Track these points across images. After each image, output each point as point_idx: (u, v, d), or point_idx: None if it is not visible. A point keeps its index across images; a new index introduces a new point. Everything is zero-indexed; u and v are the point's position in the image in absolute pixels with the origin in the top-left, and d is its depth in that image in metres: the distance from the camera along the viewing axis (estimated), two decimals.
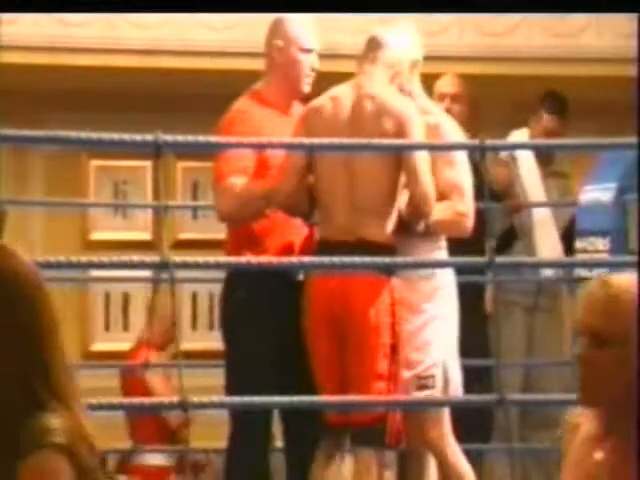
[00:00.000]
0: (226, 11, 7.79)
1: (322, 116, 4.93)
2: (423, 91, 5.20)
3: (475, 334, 5.78)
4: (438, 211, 4.96)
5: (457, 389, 4.98)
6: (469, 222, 5.06)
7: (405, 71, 4.96)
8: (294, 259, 4.89)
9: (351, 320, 4.74)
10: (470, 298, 5.64)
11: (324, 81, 5.14)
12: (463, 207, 5.01)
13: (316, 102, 5.00)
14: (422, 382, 4.90)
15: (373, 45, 4.98)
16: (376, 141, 4.91)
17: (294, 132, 4.96)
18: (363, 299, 4.71)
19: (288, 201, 4.95)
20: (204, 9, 7.57)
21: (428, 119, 5.08)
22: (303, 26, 5.23)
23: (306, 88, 5.16)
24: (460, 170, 5.08)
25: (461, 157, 5.12)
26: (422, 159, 4.82)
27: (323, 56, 5.32)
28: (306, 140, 4.83)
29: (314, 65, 5.16)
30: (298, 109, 5.18)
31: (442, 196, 4.99)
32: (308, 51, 5.11)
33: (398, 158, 4.81)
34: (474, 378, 5.50)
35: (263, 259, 4.92)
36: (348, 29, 5.55)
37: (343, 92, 4.95)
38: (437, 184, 4.98)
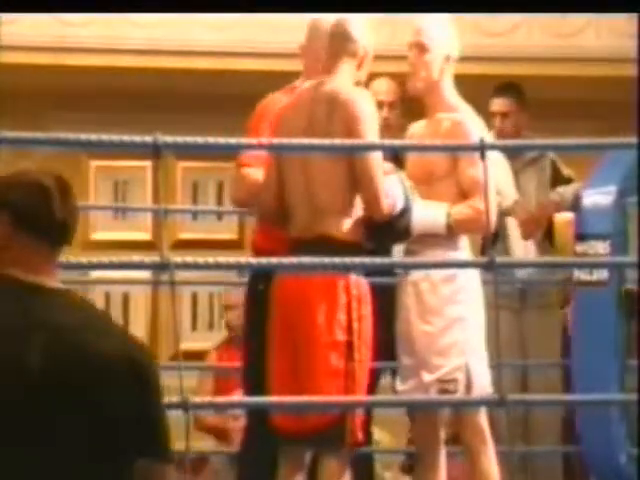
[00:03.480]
0: (225, 11, 7.80)
1: (287, 117, 4.92)
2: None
3: None
4: (458, 210, 4.95)
5: (483, 392, 4.94)
6: (492, 219, 5.01)
7: (368, 62, 4.91)
8: (291, 259, 4.86)
9: (304, 317, 4.68)
10: None
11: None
12: (485, 204, 4.95)
13: (285, 104, 5.01)
14: (444, 386, 4.86)
15: (340, 34, 4.92)
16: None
17: (270, 134, 4.97)
18: (317, 296, 4.66)
19: (268, 208, 4.98)
20: (203, 9, 7.57)
21: (453, 116, 5.05)
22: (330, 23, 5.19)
23: None
24: (482, 168, 5.02)
25: (493, 155, 5.13)
26: (373, 158, 4.75)
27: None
28: (305, 141, 4.79)
29: None
30: None
31: (465, 194, 4.98)
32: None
33: (352, 158, 4.77)
34: None
35: (260, 260, 4.93)
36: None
37: (306, 90, 4.94)
38: (460, 183, 4.99)
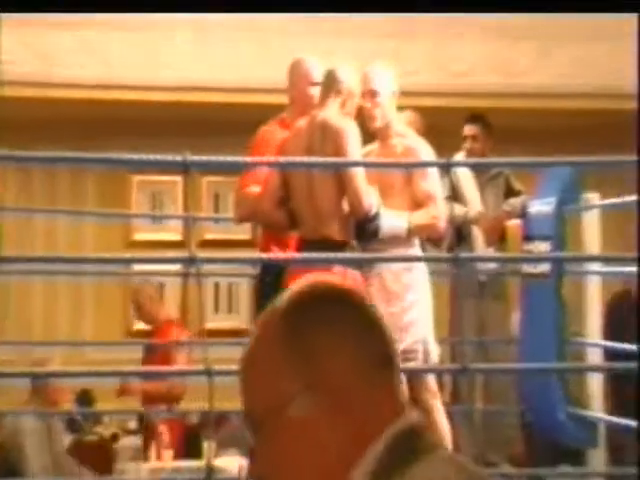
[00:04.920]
0: (224, 11, 7.63)
1: (290, 142, 4.92)
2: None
3: None
4: (416, 217, 4.97)
5: (435, 359, 4.98)
6: (442, 224, 5.07)
7: (354, 98, 4.92)
8: (299, 255, 4.87)
9: None
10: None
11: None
12: (436, 212, 5.01)
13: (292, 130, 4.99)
14: (407, 355, 4.86)
15: (329, 78, 4.96)
16: (360, 159, 4.91)
17: (276, 154, 4.96)
18: None
19: (269, 218, 4.97)
20: (202, 9, 7.34)
21: (405, 141, 5.08)
22: (312, 65, 5.22)
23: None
24: (432, 182, 5.06)
25: (433, 172, 5.12)
26: (355, 172, 4.77)
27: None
28: (305, 159, 4.81)
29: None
30: None
31: (419, 203, 5.00)
32: (317, 84, 5.08)
33: (340, 172, 4.79)
34: None
35: (270, 255, 4.94)
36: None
37: (304, 122, 4.92)
38: (414, 194, 5.00)
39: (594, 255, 6.10)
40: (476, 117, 6.61)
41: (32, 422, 6.62)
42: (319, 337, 1.29)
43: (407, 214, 4.98)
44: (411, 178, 5.03)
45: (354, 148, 4.78)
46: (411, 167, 5.12)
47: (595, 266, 6.16)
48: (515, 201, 6.39)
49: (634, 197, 6.01)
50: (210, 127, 8.27)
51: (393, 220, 4.95)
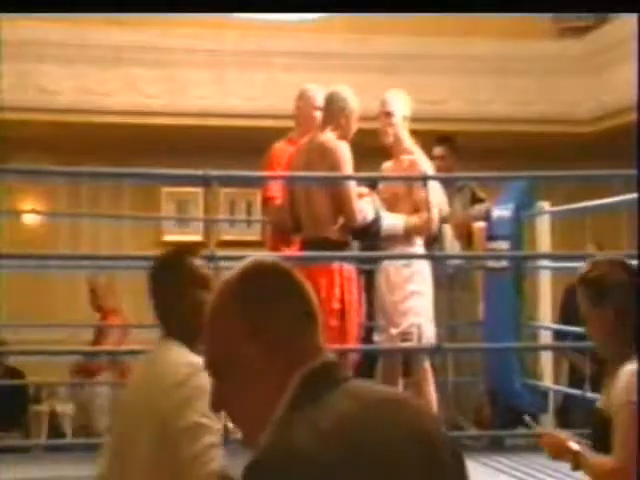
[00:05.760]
0: (222, 11, 7.57)
1: (293, 159, 4.94)
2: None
3: None
4: (412, 219, 4.99)
5: (429, 342, 4.93)
6: (435, 226, 5.11)
7: (351, 120, 4.86)
8: (303, 253, 4.88)
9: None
10: None
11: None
12: (430, 216, 5.02)
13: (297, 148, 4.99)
14: (405, 336, 4.87)
15: (326, 100, 4.94)
16: (353, 174, 4.92)
17: (284, 168, 4.99)
18: (320, 278, 4.61)
19: (285, 223, 4.98)
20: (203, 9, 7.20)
21: (411, 157, 5.10)
22: (315, 92, 5.22)
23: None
24: (429, 192, 5.07)
25: (432, 183, 5.15)
26: (348, 189, 4.76)
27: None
28: (310, 174, 4.81)
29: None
30: None
31: (418, 209, 5.02)
32: (320, 108, 5.06)
33: (335, 187, 4.77)
34: None
35: (279, 254, 4.95)
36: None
37: (305, 142, 4.93)
38: (415, 201, 5.03)
39: (546, 253, 6.15)
40: (443, 139, 6.61)
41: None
42: (260, 298, 1.43)
43: (404, 217, 5.00)
44: (412, 188, 5.07)
45: (346, 165, 4.78)
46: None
47: (546, 262, 6.20)
48: (480, 207, 6.41)
49: (578, 205, 6.08)
50: (226, 147, 8.30)
51: (392, 221, 4.98)
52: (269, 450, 1.31)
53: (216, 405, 1.47)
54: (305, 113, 5.23)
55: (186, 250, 2.62)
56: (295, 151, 4.97)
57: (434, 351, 5.00)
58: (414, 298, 4.95)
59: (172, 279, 2.48)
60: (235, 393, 1.42)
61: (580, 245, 7.03)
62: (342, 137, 4.84)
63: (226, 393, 1.44)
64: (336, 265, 4.72)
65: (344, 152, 4.78)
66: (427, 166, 5.15)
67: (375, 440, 1.32)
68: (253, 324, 1.40)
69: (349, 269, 4.78)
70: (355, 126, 4.90)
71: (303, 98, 5.28)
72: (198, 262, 2.51)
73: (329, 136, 4.83)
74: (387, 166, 5.26)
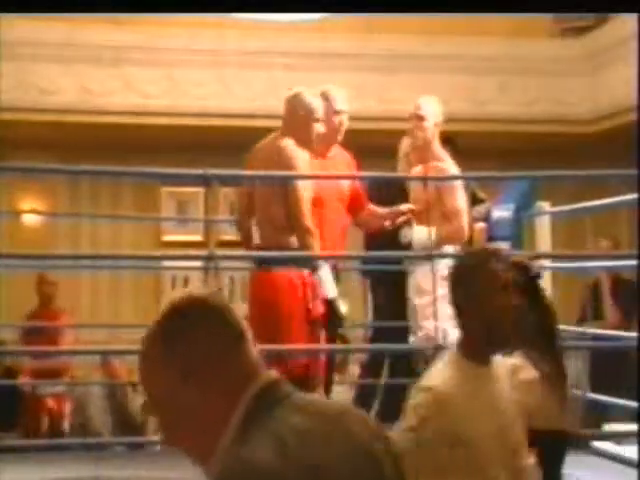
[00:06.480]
0: (221, 11, 7.50)
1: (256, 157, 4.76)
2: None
3: None
4: (445, 229, 4.97)
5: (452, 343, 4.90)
6: (466, 234, 5.06)
7: (310, 125, 4.67)
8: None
9: (275, 296, 4.48)
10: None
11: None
12: (462, 225, 5.00)
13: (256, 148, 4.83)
14: (429, 340, 4.82)
15: (285, 104, 4.80)
16: (305, 174, 4.72)
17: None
18: (281, 283, 4.49)
19: (241, 229, 4.87)
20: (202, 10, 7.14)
21: (441, 164, 5.09)
22: (333, 96, 5.03)
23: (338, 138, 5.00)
24: (459, 198, 5.03)
25: (460, 190, 5.10)
26: (300, 196, 4.50)
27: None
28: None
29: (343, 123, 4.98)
30: (341, 153, 5.05)
31: (447, 216, 4.99)
32: (337, 113, 4.93)
33: (286, 194, 4.53)
34: None
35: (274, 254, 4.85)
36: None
37: (265, 142, 4.78)
38: (444, 209, 4.99)
39: (546, 253, 6.16)
40: (445, 140, 6.62)
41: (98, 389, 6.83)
42: (187, 340, 1.43)
43: (434, 229, 4.94)
44: (441, 196, 5.01)
45: (301, 171, 4.58)
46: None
47: (546, 262, 6.21)
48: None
49: (578, 205, 6.09)
50: (226, 147, 8.32)
51: (423, 235, 4.95)
52: (232, 468, 1.33)
53: (163, 440, 1.48)
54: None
55: (491, 252, 2.58)
56: (252, 156, 4.77)
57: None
58: (441, 303, 4.91)
59: (478, 282, 2.44)
60: (179, 426, 1.44)
61: (580, 245, 7.05)
62: (302, 143, 4.64)
63: (170, 427, 1.46)
64: (298, 271, 4.51)
65: (300, 159, 4.57)
66: (454, 172, 5.14)
67: (333, 454, 1.36)
68: (185, 368, 1.42)
69: (309, 274, 4.56)
70: (318, 129, 4.70)
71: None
72: (500, 266, 2.45)
73: (287, 142, 4.63)
74: (416, 172, 5.23)
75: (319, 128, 4.70)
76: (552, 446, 2.82)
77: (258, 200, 4.69)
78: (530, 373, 2.82)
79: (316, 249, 4.49)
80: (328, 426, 1.38)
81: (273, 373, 1.45)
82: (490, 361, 2.40)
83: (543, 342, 2.85)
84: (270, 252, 4.55)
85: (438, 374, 2.39)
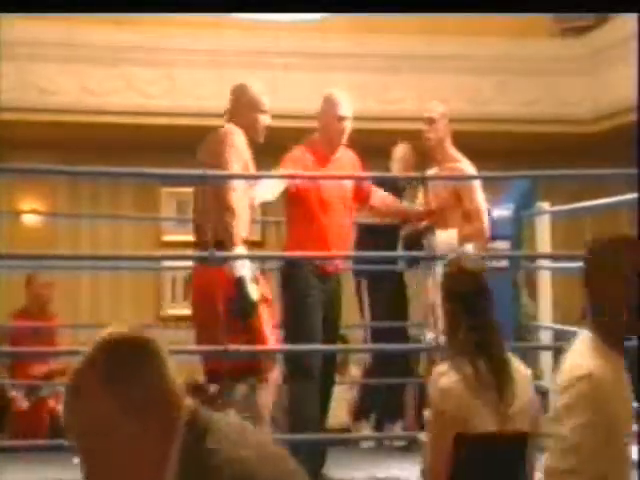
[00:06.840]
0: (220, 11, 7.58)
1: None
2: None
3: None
4: (467, 230, 5.05)
5: None
6: (487, 233, 5.18)
7: (253, 113, 4.69)
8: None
9: (210, 293, 4.41)
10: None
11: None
12: (483, 224, 5.12)
13: None
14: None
15: (231, 92, 4.82)
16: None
17: None
18: (214, 280, 4.40)
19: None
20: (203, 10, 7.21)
21: (458, 165, 5.21)
22: (339, 101, 5.01)
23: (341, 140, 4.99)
24: (479, 199, 5.15)
25: (479, 191, 5.21)
26: (229, 187, 4.42)
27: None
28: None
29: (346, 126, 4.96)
30: (346, 153, 5.05)
31: (469, 216, 5.09)
32: (342, 119, 4.95)
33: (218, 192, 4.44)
34: None
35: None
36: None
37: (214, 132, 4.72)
38: (465, 210, 5.11)
39: (546, 253, 6.17)
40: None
41: None
42: (123, 367, 1.47)
43: (456, 231, 5.04)
44: (461, 197, 5.13)
45: (230, 150, 4.50)
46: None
47: (546, 262, 6.22)
48: None
49: (578, 205, 6.09)
50: None
51: (445, 238, 5.01)
52: None
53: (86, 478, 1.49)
54: (325, 118, 5.01)
55: (622, 238, 2.61)
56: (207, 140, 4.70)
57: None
58: None
59: (622, 268, 2.48)
60: (110, 462, 1.46)
61: (580, 245, 7.03)
62: (245, 130, 4.61)
63: (99, 465, 1.47)
64: (220, 268, 4.40)
65: (233, 138, 4.51)
66: (472, 172, 5.21)
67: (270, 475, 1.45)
68: (124, 399, 1.45)
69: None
70: (264, 120, 4.71)
71: (323, 107, 5.06)
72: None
73: (232, 127, 4.60)
74: (431, 173, 5.32)
75: (265, 120, 4.71)
76: None
77: (198, 197, 4.69)
78: None
79: (235, 229, 4.39)
80: (266, 452, 1.47)
81: (190, 401, 1.51)
82: (623, 347, 2.43)
83: None
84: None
85: (589, 361, 2.39)
